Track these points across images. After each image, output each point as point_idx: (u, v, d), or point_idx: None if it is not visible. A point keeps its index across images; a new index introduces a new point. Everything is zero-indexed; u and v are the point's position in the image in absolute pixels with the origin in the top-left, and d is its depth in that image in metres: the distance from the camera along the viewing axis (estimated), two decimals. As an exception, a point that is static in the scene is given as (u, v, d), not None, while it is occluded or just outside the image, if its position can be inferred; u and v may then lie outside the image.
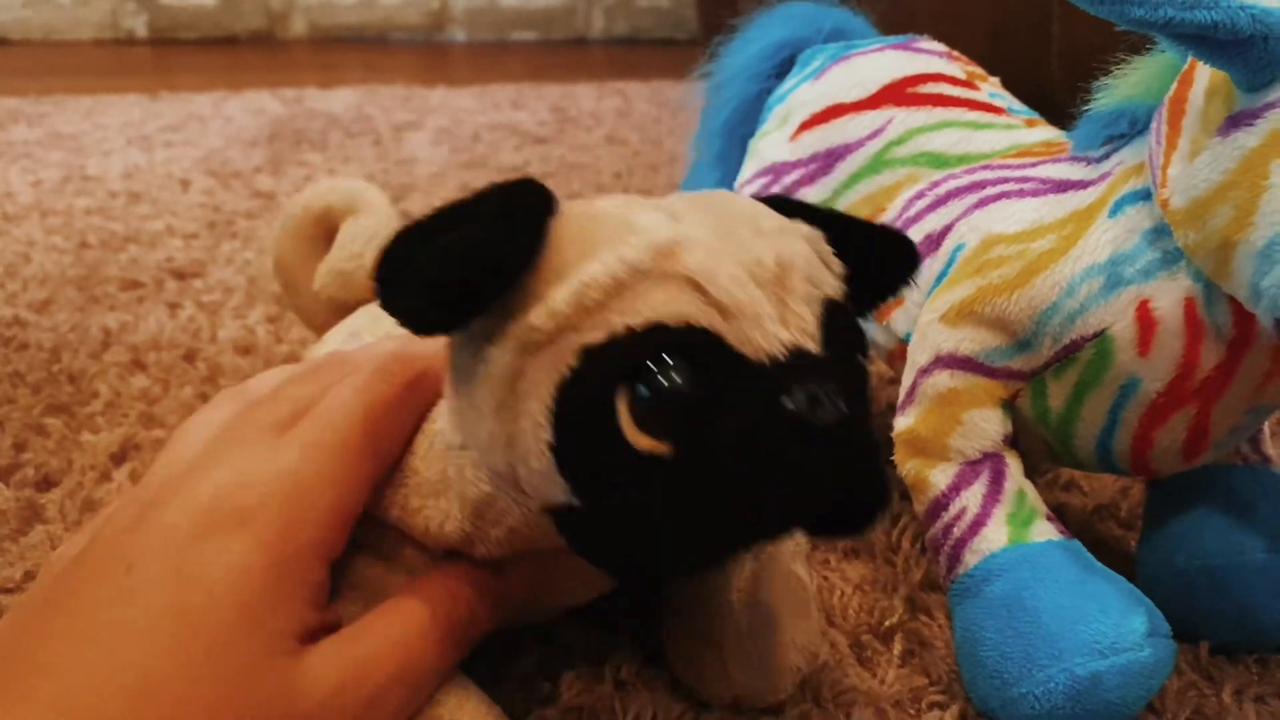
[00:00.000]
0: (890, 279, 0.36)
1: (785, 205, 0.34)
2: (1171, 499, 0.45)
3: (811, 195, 0.52)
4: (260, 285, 0.83)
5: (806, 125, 0.52)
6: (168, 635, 0.28)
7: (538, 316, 0.29)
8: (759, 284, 0.29)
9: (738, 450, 0.27)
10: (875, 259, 0.35)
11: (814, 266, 0.31)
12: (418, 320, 0.28)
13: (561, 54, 2.42)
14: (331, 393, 0.34)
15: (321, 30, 2.47)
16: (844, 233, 0.34)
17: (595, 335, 0.28)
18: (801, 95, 0.53)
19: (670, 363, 0.28)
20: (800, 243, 0.31)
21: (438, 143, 1.35)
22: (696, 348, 0.28)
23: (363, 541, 0.35)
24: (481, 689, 0.36)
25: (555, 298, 0.29)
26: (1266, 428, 0.46)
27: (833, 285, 0.31)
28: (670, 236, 0.29)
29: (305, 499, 0.31)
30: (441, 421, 0.34)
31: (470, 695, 0.35)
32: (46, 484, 0.54)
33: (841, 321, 0.31)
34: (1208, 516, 0.43)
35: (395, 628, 0.32)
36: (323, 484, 0.31)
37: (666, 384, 0.28)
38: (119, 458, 0.56)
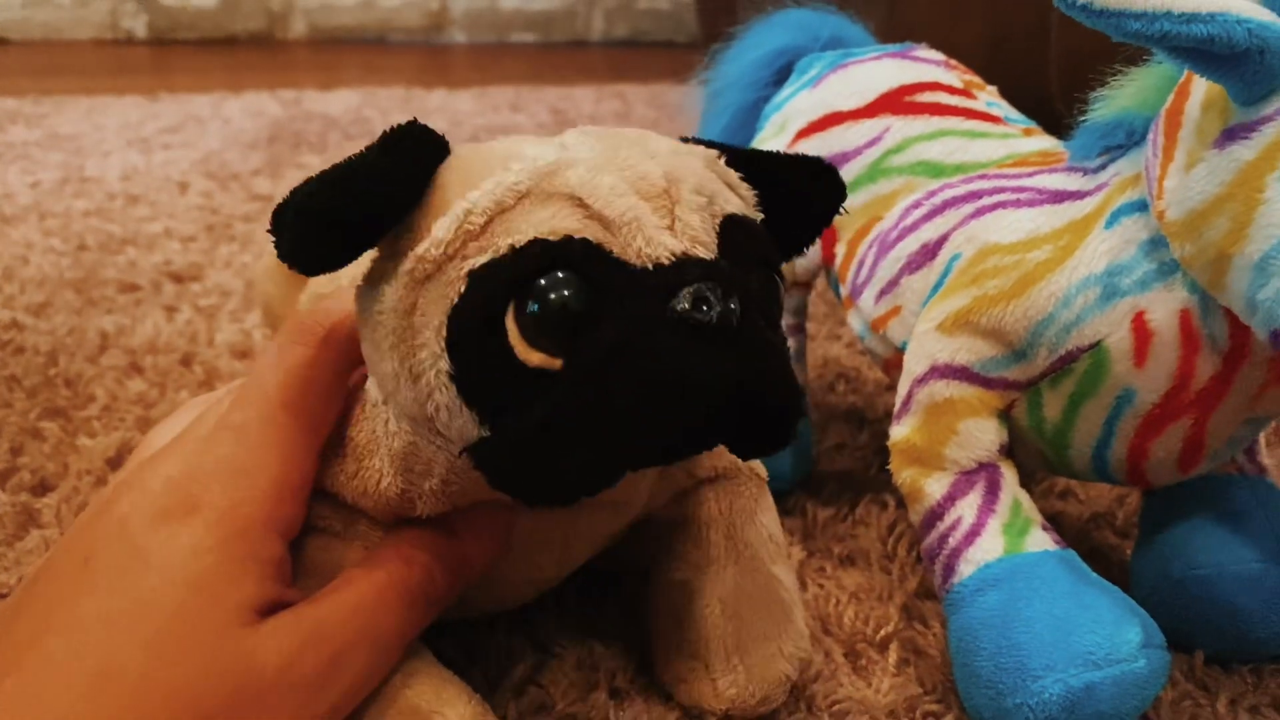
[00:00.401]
0: (820, 209, 0.36)
1: (702, 144, 0.34)
2: (1167, 508, 0.45)
3: (809, 203, 0.52)
4: (257, 288, 0.83)
5: (804, 133, 0.52)
6: (125, 619, 0.29)
7: (423, 247, 0.29)
8: (643, 196, 0.29)
9: (622, 355, 0.27)
10: (803, 191, 0.35)
11: (709, 183, 0.31)
12: (299, 256, 0.29)
13: (561, 56, 2.42)
14: (253, 373, 0.35)
15: (321, 31, 2.47)
16: (769, 169, 0.34)
17: (480, 258, 0.29)
18: (799, 103, 0.53)
19: (555, 275, 0.28)
20: (693, 161, 0.31)
21: (436, 145, 1.35)
22: (579, 259, 0.28)
23: (317, 525, 0.35)
24: (471, 688, 0.36)
25: (439, 226, 0.29)
26: (1262, 438, 0.46)
27: (735, 203, 0.31)
28: (552, 159, 0.30)
29: (245, 478, 0.32)
30: (369, 383, 0.34)
31: (448, 683, 0.35)
32: (43, 488, 0.54)
33: (743, 234, 0.31)
34: (1203, 526, 0.43)
35: (352, 593, 0.33)
36: (259, 461, 0.32)
37: (552, 297, 0.28)
38: (115, 462, 0.56)
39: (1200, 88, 0.35)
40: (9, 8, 2.28)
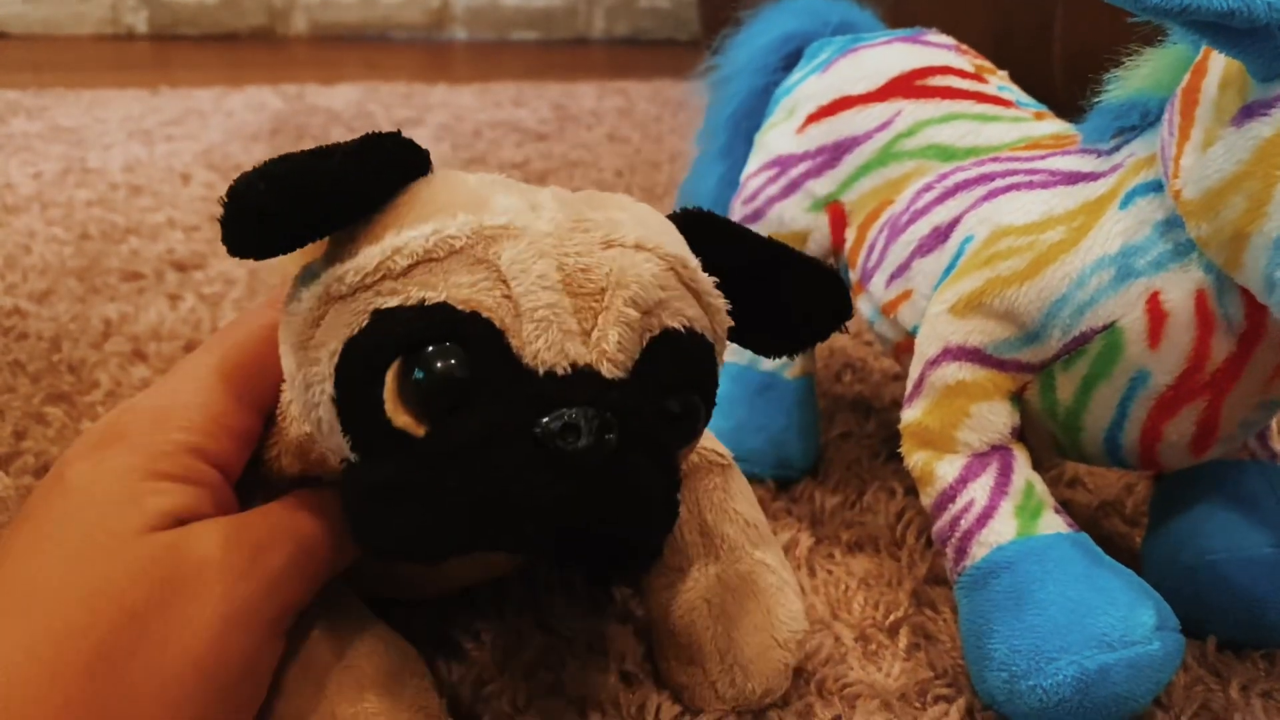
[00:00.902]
0: (821, 322, 0.35)
1: (709, 224, 0.34)
2: (1178, 494, 0.45)
3: (818, 187, 0.52)
4: (261, 278, 0.83)
5: (814, 117, 0.52)
6: (48, 539, 0.29)
7: (343, 268, 0.29)
8: (571, 293, 0.29)
9: (472, 453, 0.27)
10: (807, 298, 0.35)
11: (658, 292, 0.30)
12: (232, 235, 0.29)
13: (562, 54, 2.41)
14: (217, 333, 0.36)
15: (322, 28, 2.47)
16: (775, 266, 0.34)
17: (390, 300, 0.29)
18: (809, 88, 0.53)
19: (444, 349, 0.28)
20: (653, 265, 0.30)
21: (439, 139, 1.35)
22: (476, 339, 0.28)
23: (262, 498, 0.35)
24: (476, 670, 0.35)
25: (365, 254, 0.29)
26: (1274, 424, 0.45)
27: (684, 315, 0.31)
28: (502, 223, 0.29)
29: (175, 411, 0.33)
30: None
31: (368, 635, 0.35)
32: (45, 472, 0.54)
33: (672, 354, 0.30)
34: (1214, 512, 0.43)
35: (289, 512, 0.33)
36: (194, 399, 0.33)
37: (437, 368, 0.28)
38: (119, 446, 0.56)
39: (1218, 65, 0.35)
40: (8, 2, 2.27)
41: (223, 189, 0.29)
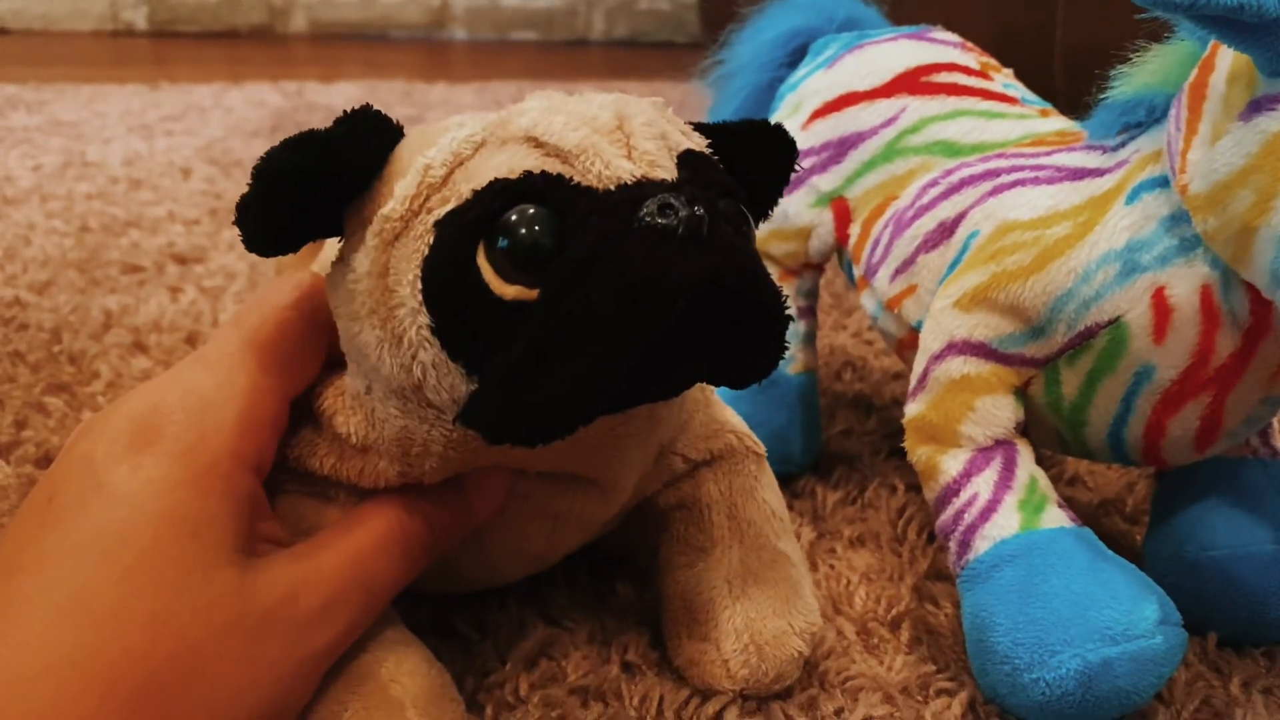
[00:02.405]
0: (774, 172, 0.36)
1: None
2: (1180, 491, 0.45)
3: (823, 183, 0.52)
4: (262, 271, 0.83)
5: (819, 113, 0.52)
6: (92, 552, 0.28)
7: (388, 207, 0.29)
8: (597, 131, 0.30)
9: (593, 268, 0.27)
10: (758, 158, 0.36)
11: (662, 123, 0.31)
12: (257, 231, 0.29)
13: (561, 55, 2.42)
14: (231, 316, 0.35)
15: (322, 26, 2.47)
16: (720, 138, 0.34)
17: (445, 207, 0.29)
18: (814, 84, 0.53)
19: (519, 209, 0.28)
20: (643, 105, 0.32)
21: (439, 137, 1.35)
22: (541, 191, 0.28)
23: (307, 490, 0.35)
24: (479, 659, 0.35)
25: (401, 185, 0.30)
26: (1276, 422, 0.45)
27: (691, 141, 0.32)
28: (503, 113, 0.30)
29: (210, 410, 0.31)
30: (348, 376, 0.34)
31: (410, 650, 0.35)
32: (47, 461, 0.54)
33: (703, 165, 0.31)
34: (1216, 508, 0.43)
35: (351, 541, 0.32)
36: (226, 393, 0.32)
37: (521, 230, 0.28)
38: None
39: (1226, 60, 0.35)
40: (9, -3, 2.27)
41: (223, 184, 0.29)
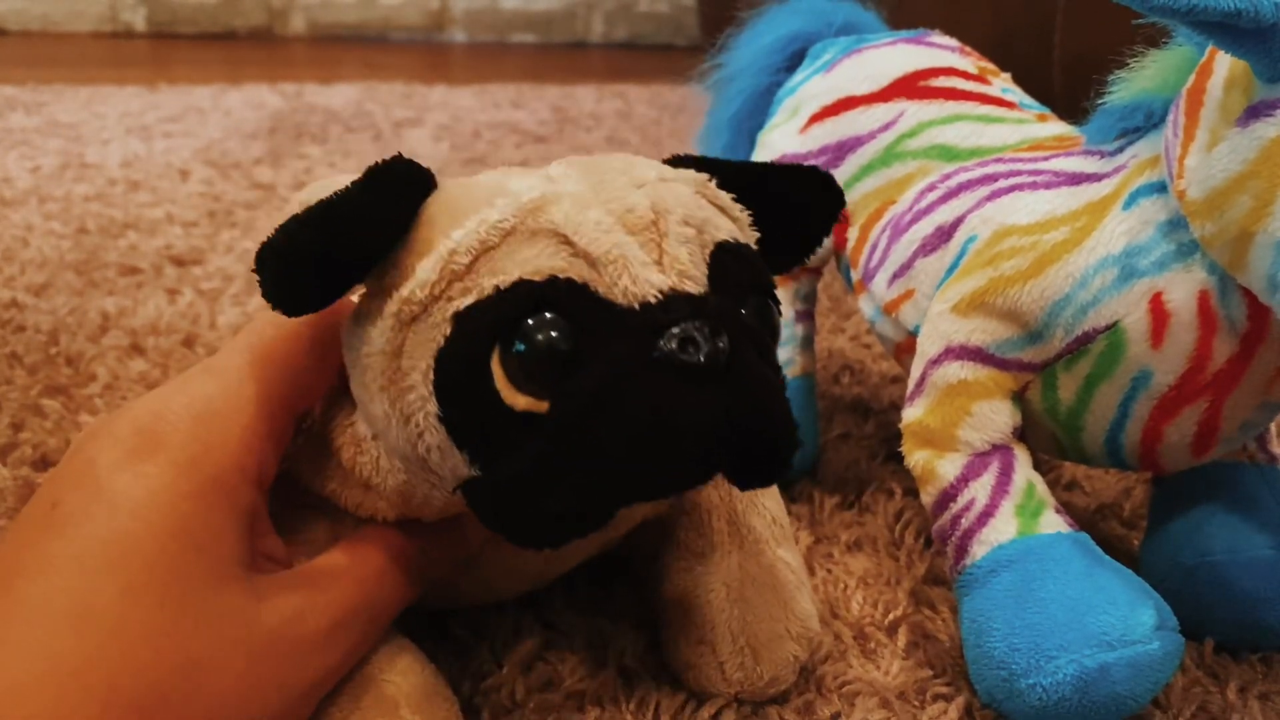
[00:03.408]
0: (818, 219, 0.36)
1: (692, 162, 0.34)
2: (1177, 496, 0.45)
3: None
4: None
5: (817, 118, 0.52)
6: (97, 561, 0.28)
7: (408, 288, 0.29)
8: (630, 230, 0.29)
9: (608, 398, 0.27)
10: (800, 203, 0.35)
11: (699, 210, 0.31)
12: (281, 297, 0.28)
13: (561, 57, 2.42)
14: (248, 324, 0.34)
15: (321, 28, 2.47)
16: (761, 182, 0.34)
17: (465, 300, 0.28)
18: (812, 88, 0.53)
19: (540, 317, 0.28)
20: (682, 189, 0.31)
21: (438, 139, 1.35)
22: (564, 300, 0.28)
23: (311, 504, 0.35)
24: (475, 663, 0.35)
25: (423, 268, 0.29)
26: (1273, 427, 0.45)
27: (727, 229, 0.31)
28: (538, 195, 0.29)
29: (215, 420, 0.31)
30: (357, 416, 0.34)
31: (402, 650, 0.35)
32: (44, 463, 0.54)
33: (735, 262, 0.31)
34: (1213, 513, 0.43)
35: (357, 567, 0.32)
36: (232, 405, 0.31)
37: (538, 339, 0.28)
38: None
39: (1223, 66, 0.35)
40: (8, -2, 2.27)
41: (222, 185, 0.29)
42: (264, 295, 0.28)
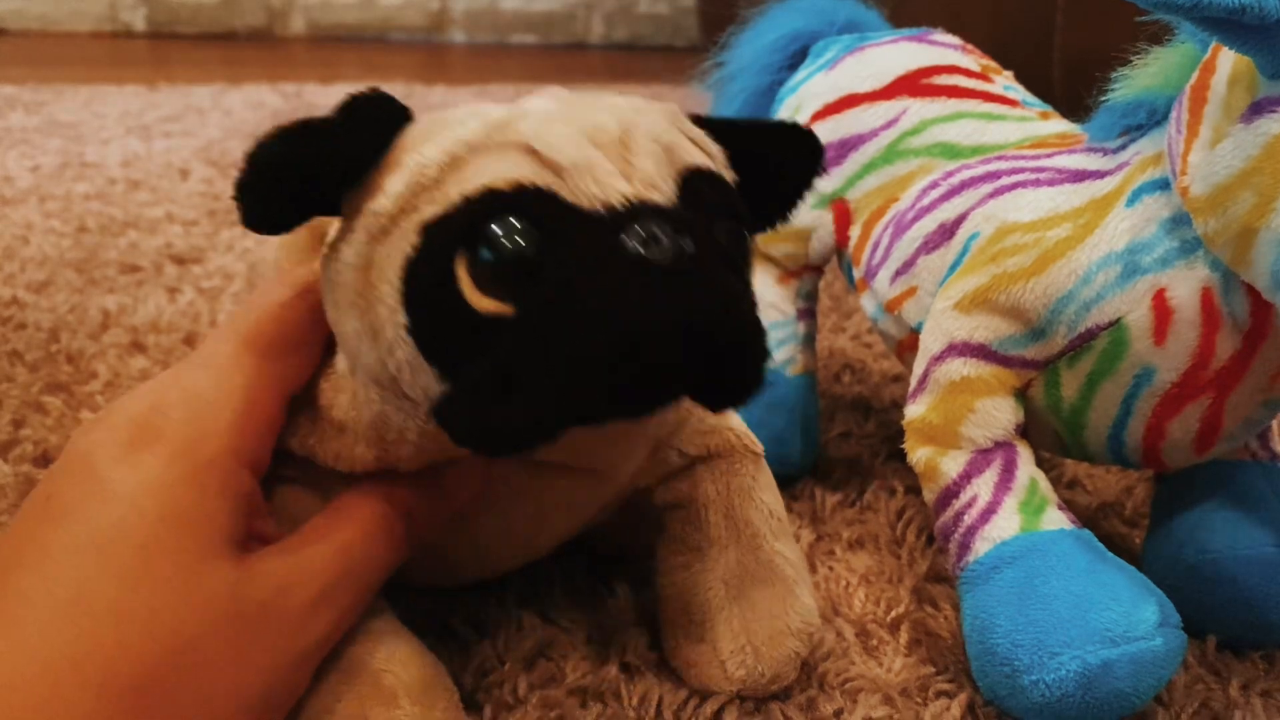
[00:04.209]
0: (799, 174, 0.36)
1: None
2: (1179, 493, 0.45)
3: (823, 184, 0.52)
4: (260, 272, 0.83)
5: (819, 115, 0.52)
6: (92, 550, 0.28)
7: (377, 202, 0.29)
8: (597, 145, 0.29)
9: (572, 297, 0.27)
10: (780, 157, 0.35)
11: (668, 135, 0.31)
12: (255, 210, 0.29)
13: (561, 58, 2.42)
14: (228, 315, 0.34)
15: (321, 29, 2.47)
16: (744, 137, 0.34)
17: (433, 210, 0.29)
18: (814, 86, 0.53)
19: (505, 223, 0.28)
20: (652, 114, 0.31)
21: (438, 139, 1.35)
22: (530, 206, 0.28)
23: (292, 476, 0.35)
24: (477, 659, 0.35)
25: (392, 181, 0.29)
26: (1275, 424, 0.46)
27: (698, 157, 0.31)
28: (506, 114, 0.30)
29: (209, 409, 0.31)
30: (337, 355, 0.34)
31: (401, 640, 0.35)
32: (45, 460, 0.54)
33: (705, 184, 0.31)
34: (1216, 511, 0.43)
35: (338, 533, 0.33)
36: (225, 393, 0.32)
37: (504, 244, 0.28)
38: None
39: (1227, 62, 0.35)
40: (7, -2, 2.27)
41: (221, 185, 0.29)
42: (241, 216, 0.29)
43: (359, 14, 2.48)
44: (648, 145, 0.30)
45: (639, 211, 0.28)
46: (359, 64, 2.09)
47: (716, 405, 0.31)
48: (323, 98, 1.61)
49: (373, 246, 0.29)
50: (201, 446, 0.30)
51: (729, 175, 0.33)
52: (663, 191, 0.29)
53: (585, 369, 0.27)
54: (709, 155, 0.32)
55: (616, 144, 0.29)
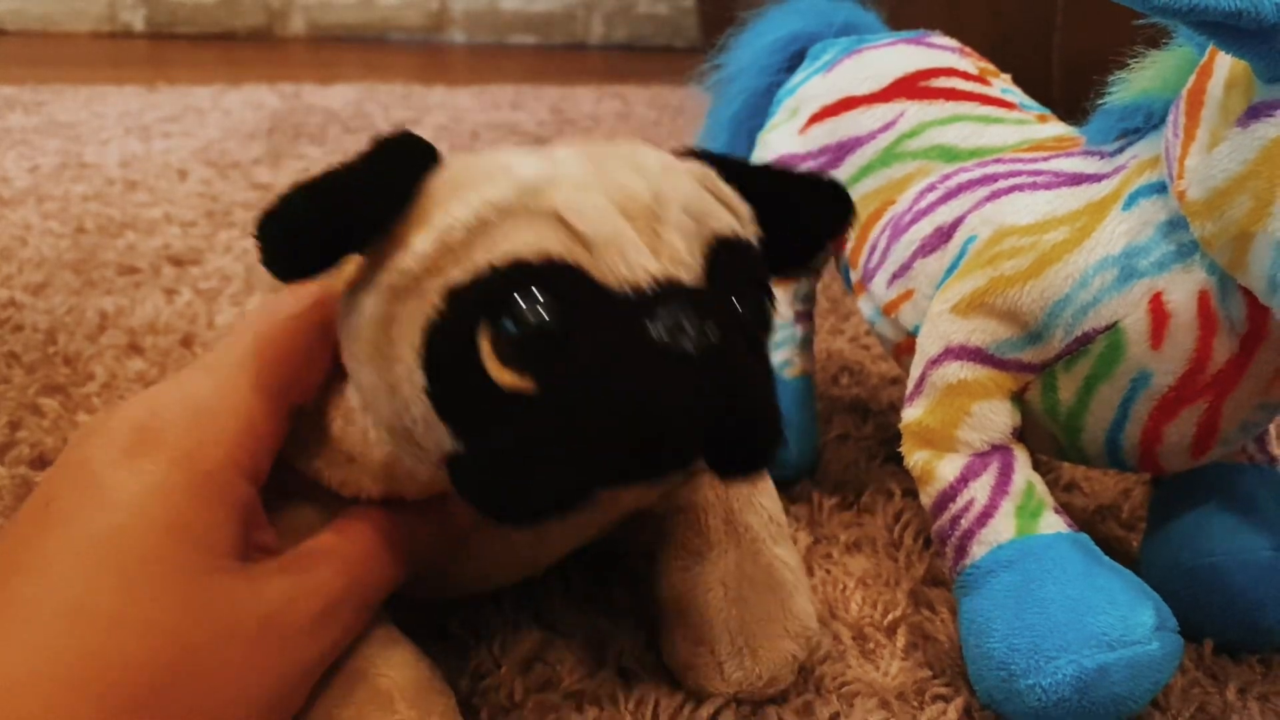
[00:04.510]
0: (827, 227, 0.36)
1: (706, 158, 0.34)
2: (1176, 497, 0.45)
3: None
4: (259, 273, 0.82)
5: (817, 118, 0.52)
6: (93, 557, 0.28)
7: (403, 260, 0.29)
8: (628, 216, 0.29)
9: (594, 380, 0.27)
10: (808, 207, 0.35)
11: (700, 202, 0.31)
12: (279, 263, 0.28)
13: (560, 58, 2.42)
14: (236, 322, 0.34)
15: (320, 29, 2.47)
16: (772, 185, 0.34)
17: (459, 275, 0.28)
18: (812, 88, 0.53)
19: (531, 297, 0.28)
20: (684, 179, 0.31)
21: (437, 140, 1.32)
22: (557, 280, 0.28)
23: (296, 491, 0.35)
24: (474, 662, 0.35)
25: (420, 240, 0.29)
26: (1272, 428, 0.45)
27: (727, 222, 0.31)
28: (538, 175, 0.29)
29: (211, 417, 0.31)
30: (349, 388, 0.34)
31: (396, 644, 0.35)
32: (41, 462, 0.54)
33: (733, 256, 0.31)
34: (1213, 515, 0.43)
35: (344, 550, 0.32)
36: (228, 401, 0.32)
37: (528, 318, 0.28)
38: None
39: (1224, 66, 0.35)
40: (6, -2, 2.27)
41: (220, 186, 0.28)
42: (262, 261, 0.28)
43: (358, 14, 2.48)
44: (678, 217, 0.30)
45: (666, 295, 0.28)
46: (358, 64, 2.09)
47: (726, 476, 0.31)
48: (322, 98, 1.61)
49: (395, 304, 0.29)
50: (202, 455, 0.30)
51: (755, 233, 0.33)
52: (690, 269, 0.29)
53: (605, 452, 0.27)
54: (737, 215, 0.32)
55: (648, 215, 0.29)
